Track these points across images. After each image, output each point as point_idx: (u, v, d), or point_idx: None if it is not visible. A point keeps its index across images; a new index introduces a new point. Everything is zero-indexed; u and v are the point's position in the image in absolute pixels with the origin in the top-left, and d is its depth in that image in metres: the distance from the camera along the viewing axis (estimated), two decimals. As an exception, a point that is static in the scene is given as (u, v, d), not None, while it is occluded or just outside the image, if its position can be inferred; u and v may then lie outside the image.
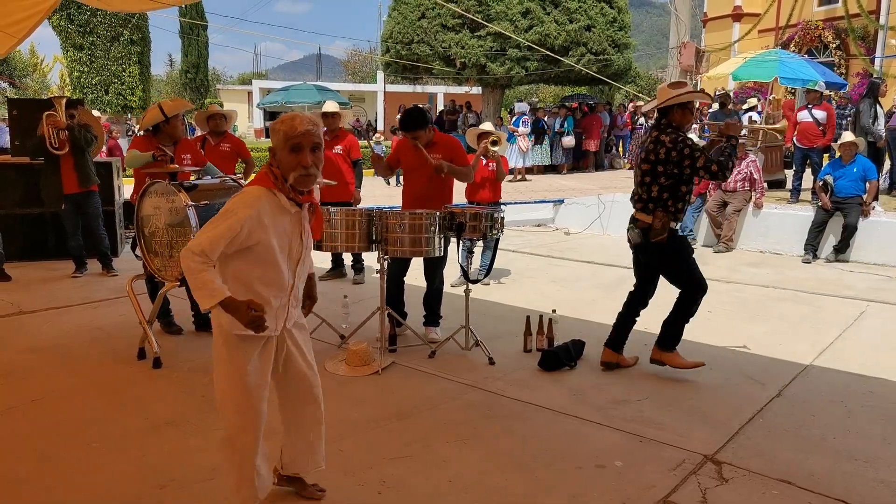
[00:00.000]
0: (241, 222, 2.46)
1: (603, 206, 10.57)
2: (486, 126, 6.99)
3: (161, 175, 4.80)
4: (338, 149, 6.94)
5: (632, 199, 4.62)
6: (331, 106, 7.21)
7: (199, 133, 7.22)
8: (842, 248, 8.21)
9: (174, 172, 4.75)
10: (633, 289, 4.74)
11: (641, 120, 19.92)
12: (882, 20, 21.80)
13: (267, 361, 2.72)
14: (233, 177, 5.19)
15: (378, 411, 3.98)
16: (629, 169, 19.07)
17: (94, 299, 6.44)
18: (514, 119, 18.02)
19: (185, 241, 4.50)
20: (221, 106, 28.72)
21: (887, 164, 10.89)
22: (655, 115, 4.60)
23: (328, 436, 3.62)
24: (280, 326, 2.72)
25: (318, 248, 4.88)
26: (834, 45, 24.22)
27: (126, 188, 9.02)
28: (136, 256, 5.07)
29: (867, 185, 8.19)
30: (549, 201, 11.76)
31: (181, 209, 4.49)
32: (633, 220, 4.54)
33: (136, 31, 22.78)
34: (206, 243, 2.46)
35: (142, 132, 5.25)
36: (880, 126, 9.47)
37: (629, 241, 4.61)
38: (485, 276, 6.56)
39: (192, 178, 5.11)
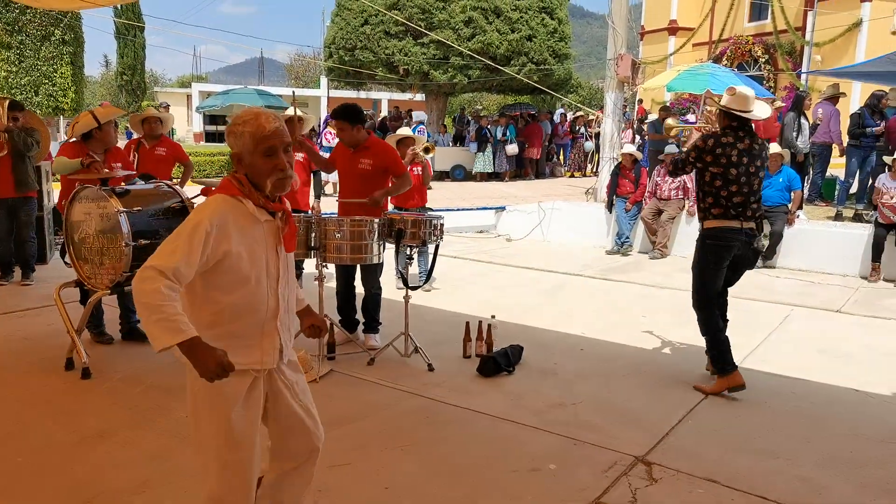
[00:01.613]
0: (207, 230, 2.06)
1: (543, 213, 10.74)
2: (404, 131, 7.05)
3: (92, 180, 4.67)
4: (299, 156, 6.87)
5: (749, 212, 4.48)
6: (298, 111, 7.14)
7: (135, 136, 7.03)
8: (769, 255, 8.55)
9: (105, 178, 4.62)
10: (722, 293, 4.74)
11: (582, 129, 20.34)
12: (808, 36, 22.85)
13: (256, 406, 2.28)
14: (167, 182, 5.08)
15: (316, 419, 3.95)
16: (570, 177, 19.43)
17: (21, 307, 6.20)
18: (411, 129, 18.07)
19: (115, 247, 4.39)
20: (167, 108, 28.06)
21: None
22: (734, 123, 4.51)
23: (263, 445, 3.58)
24: (270, 361, 2.29)
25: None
26: (763, 60, 25.25)
27: (56, 193, 8.71)
28: (66, 263, 4.91)
29: (792, 194, 8.56)
30: (490, 208, 11.87)
31: (112, 215, 4.37)
32: (756, 230, 4.52)
33: (69, 30, 22.01)
34: (180, 260, 2.01)
35: (73, 140, 5.08)
36: (804, 138, 9.89)
37: (758, 249, 4.63)
38: (425, 282, 6.59)
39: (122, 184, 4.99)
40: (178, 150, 6.92)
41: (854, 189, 10.04)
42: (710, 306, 4.59)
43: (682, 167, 4.60)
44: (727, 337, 4.58)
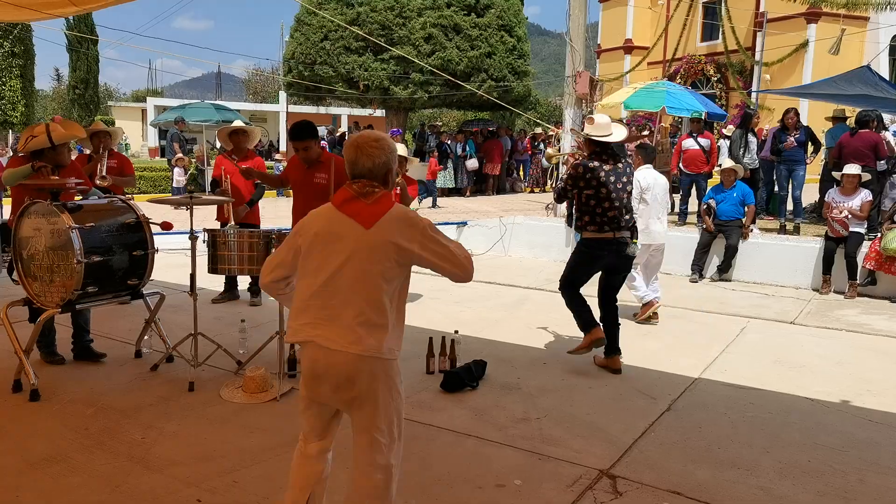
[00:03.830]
0: None
1: (504, 228, 10.78)
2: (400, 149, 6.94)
3: (42, 195, 4.52)
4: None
5: (622, 223, 5.07)
6: (240, 124, 7.05)
7: (86, 151, 6.85)
8: (724, 268, 8.72)
9: (56, 192, 4.47)
10: (607, 293, 5.27)
11: (541, 146, 20.55)
12: (757, 56, 23.59)
13: None
14: (121, 197, 4.95)
15: (275, 439, 3.86)
16: (529, 192, 19.58)
17: (-36, 328, 5.95)
18: None
19: (67, 264, 4.25)
20: (114, 124, 27.44)
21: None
22: (597, 148, 5.12)
23: (222, 467, 3.50)
24: None
25: (214, 270, 4.74)
26: (715, 79, 25.99)
27: (5, 209, 8.44)
28: (13, 281, 4.74)
29: (746, 209, 8.76)
30: (452, 223, 11.87)
31: (63, 231, 4.24)
32: (628, 240, 5.13)
33: (19, 42, 21.50)
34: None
35: (22, 154, 4.92)
36: (751, 155, 10.07)
37: (630, 255, 5.17)
38: None
39: (77, 198, 4.85)
40: (126, 163, 6.77)
41: (790, 205, 10.24)
42: (573, 289, 5.19)
43: (564, 194, 5.33)
44: (588, 306, 5.19)
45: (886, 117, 11.68)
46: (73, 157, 6.29)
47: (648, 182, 6.44)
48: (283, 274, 2.65)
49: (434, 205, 14.76)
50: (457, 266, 2.55)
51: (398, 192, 6.78)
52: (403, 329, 2.62)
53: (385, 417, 2.53)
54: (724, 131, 11.91)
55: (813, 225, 9.81)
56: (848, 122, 10.53)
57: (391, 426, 2.56)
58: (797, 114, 9.84)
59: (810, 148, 10.01)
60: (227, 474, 3.43)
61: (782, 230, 9.37)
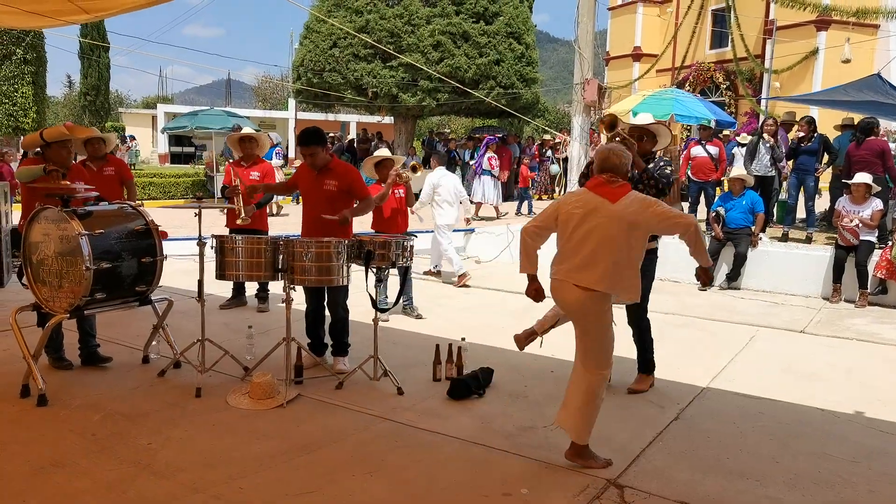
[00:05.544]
0: None
1: (512, 235, 10.76)
2: (383, 152, 6.93)
3: (53, 201, 4.54)
4: (254, 174, 6.78)
5: None
6: (249, 131, 7.09)
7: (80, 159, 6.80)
8: (734, 276, 8.67)
9: (67, 198, 4.49)
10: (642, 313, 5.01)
11: (549, 153, 20.54)
12: (767, 64, 23.52)
13: None
14: (131, 203, 4.97)
15: (282, 446, 3.86)
16: (537, 199, 19.56)
17: (-27, 333, 5.98)
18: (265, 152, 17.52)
19: (75, 270, 4.27)
20: (124, 130, 27.57)
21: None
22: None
23: (229, 473, 3.49)
24: None
25: (222, 276, 4.75)
26: (724, 86, 25.93)
27: (15, 214, 8.48)
28: (24, 285, 4.76)
29: (755, 217, 8.71)
30: (460, 230, 11.86)
31: (73, 237, 4.26)
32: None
33: (31, 49, 21.68)
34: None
35: (31, 154, 4.99)
36: (761, 164, 9.96)
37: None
38: (409, 307, 6.89)
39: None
40: (124, 168, 6.74)
41: (803, 213, 10.14)
42: None
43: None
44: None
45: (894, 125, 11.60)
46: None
47: (437, 181, 8.07)
48: (544, 225, 3.78)
49: (530, 211, 14.91)
50: (677, 226, 3.59)
51: (401, 195, 6.73)
52: (639, 277, 3.70)
53: (597, 342, 3.75)
54: (739, 139, 11.80)
55: (823, 233, 9.73)
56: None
57: (599, 352, 3.77)
58: (809, 122, 9.70)
59: (825, 158, 9.89)
60: (234, 481, 3.42)
61: (784, 238, 9.30)
